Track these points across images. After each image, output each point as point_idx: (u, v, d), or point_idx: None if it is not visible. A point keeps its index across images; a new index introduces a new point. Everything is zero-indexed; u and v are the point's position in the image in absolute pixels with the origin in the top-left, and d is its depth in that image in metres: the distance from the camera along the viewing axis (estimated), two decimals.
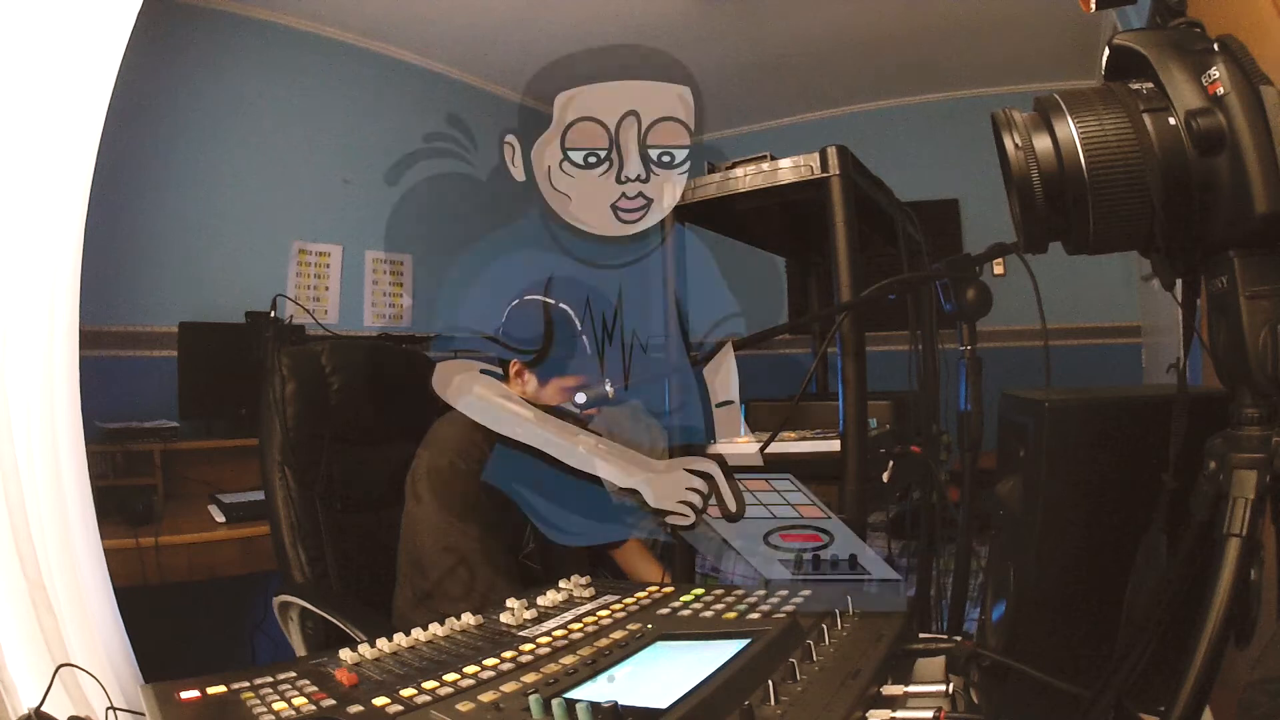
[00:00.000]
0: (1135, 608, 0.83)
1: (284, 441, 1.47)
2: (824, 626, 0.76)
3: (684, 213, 1.52)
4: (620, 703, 0.58)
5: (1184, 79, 0.62)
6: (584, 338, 1.30)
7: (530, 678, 0.71)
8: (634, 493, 1.06)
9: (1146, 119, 0.63)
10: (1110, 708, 0.75)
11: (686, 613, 0.89)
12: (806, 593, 0.90)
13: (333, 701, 0.68)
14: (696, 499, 1.04)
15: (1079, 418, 1.13)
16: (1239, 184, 0.60)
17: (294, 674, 0.77)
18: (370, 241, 3.54)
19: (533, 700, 0.62)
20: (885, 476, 1.39)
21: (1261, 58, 0.61)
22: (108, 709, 0.93)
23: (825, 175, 1.31)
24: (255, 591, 2.32)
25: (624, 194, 1.01)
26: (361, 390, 1.56)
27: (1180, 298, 0.73)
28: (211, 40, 3.10)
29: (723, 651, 0.70)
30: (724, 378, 1.30)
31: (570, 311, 1.32)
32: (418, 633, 0.89)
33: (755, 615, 0.84)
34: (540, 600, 1.02)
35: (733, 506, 1.03)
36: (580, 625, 0.88)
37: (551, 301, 1.33)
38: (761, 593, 0.94)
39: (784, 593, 0.92)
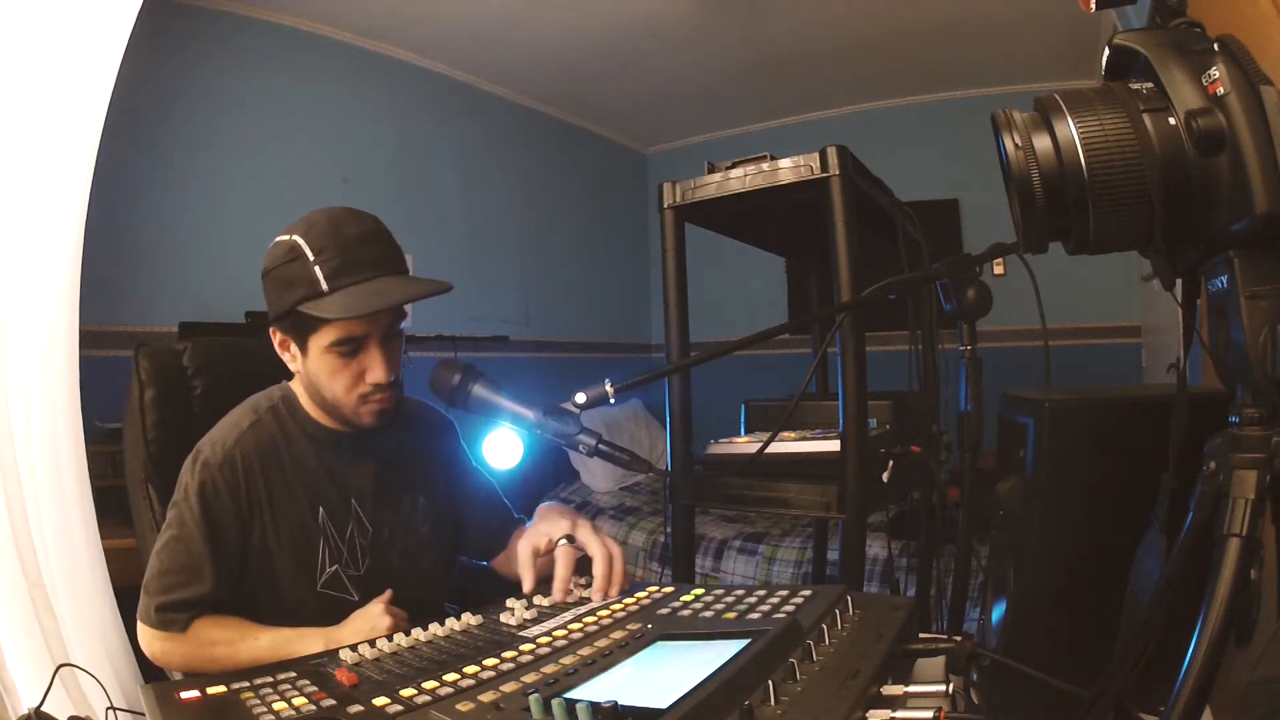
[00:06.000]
0: (1135, 608, 0.83)
1: (147, 456, 1.27)
2: (824, 626, 0.76)
3: (684, 213, 1.52)
4: (620, 703, 0.58)
5: (1184, 79, 0.62)
6: (318, 265, 1.06)
7: (530, 678, 0.71)
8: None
9: (1146, 119, 0.63)
10: (1110, 708, 0.75)
11: (686, 613, 0.89)
12: (806, 593, 0.90)
13: (333, 701, 0.68)
14: None
15: (1079, 418, 1.13)
16: (1239, 184, 0.60)
17: (294, 674, 0.77)
18: None
19: (533, 700, 0.62)
20: (885, 476, 1.39)
21: (1261, 58, 0.61)
22: (108, 709, 0.93)
23: (825, 175, 1.31)
24: None
25: None
26: (227, 392, 1.29)
27: (1180, 298, 0.72)
28: (211, 40, 3.10)
29: (723, 651, 0.70)
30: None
31: (303, 243, 1.08)
32: (418, 632, 0.89)
33: (755, 615, 0.84)
34: (540, 600, 1.02)
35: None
36: (580, 625, 0.88)
37: (289, 238, 1.10)
38: (761, 593, 0.93)
39: (784, 593, 0.92)
